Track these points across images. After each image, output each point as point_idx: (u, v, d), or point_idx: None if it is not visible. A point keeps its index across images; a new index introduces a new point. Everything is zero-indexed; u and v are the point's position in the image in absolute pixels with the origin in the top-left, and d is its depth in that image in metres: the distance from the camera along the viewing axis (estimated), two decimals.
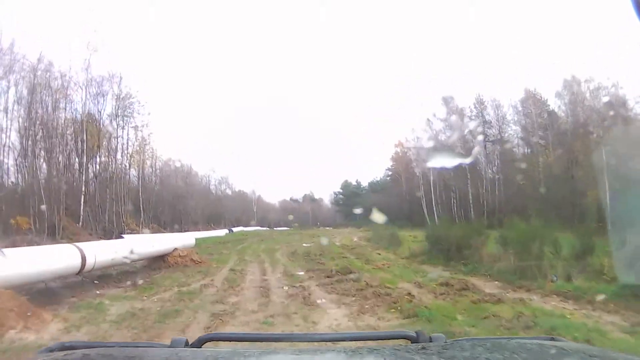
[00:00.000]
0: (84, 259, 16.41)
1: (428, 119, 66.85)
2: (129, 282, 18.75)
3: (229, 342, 2.28)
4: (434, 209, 65.47)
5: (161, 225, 62.75)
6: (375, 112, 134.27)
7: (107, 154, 51.86)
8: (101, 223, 46.49)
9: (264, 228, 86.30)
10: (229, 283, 18.61)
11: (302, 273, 21.89)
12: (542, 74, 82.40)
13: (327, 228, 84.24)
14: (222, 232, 64.85)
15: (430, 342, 1.89)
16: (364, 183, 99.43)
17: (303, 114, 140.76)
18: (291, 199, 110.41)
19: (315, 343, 2.22)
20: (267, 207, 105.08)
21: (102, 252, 18.32)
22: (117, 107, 52.26)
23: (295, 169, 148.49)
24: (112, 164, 52.53)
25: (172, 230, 57.56)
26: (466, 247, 23.31)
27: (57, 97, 44.67)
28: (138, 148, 58.58)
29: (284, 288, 17.24)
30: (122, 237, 31.92)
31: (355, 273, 20.60)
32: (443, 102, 65.39)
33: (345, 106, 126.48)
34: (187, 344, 1.93)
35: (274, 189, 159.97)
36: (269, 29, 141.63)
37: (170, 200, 67.10)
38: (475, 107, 63.80)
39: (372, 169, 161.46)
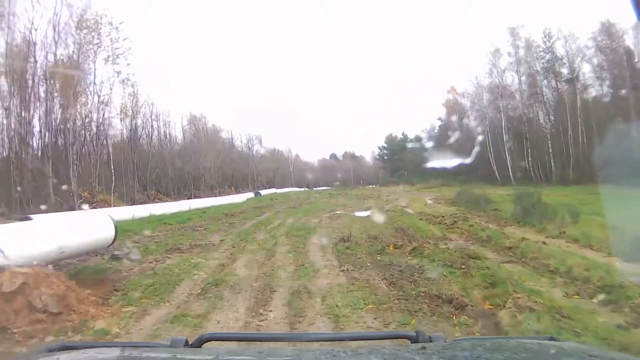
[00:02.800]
0: None
1: (492, 52, 55.90)
2: None
3: (229, 341, 2.31)
4: (507, 160, 53.54)
5: (162, 192, 49.24)
6: (422, 54, 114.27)
7: (52, 96, 33.62)
8: (37, 196, 28.62)
9: (302, 189, 75.23)
10: None
11: None
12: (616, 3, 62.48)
13: (373, 186, 73.80)
14: (244, 196, 50.59)
15: (430, 342, 1.76)
16: (411, 135, 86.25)
17: (340, 63, 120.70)
18: (331, 157, 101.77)
19: (315, 343, 2.16)
20: (305, 167, 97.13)
21: None
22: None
23: (334, 124, 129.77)
24: (63, 111, 34.23)
25: (179, 198, 46.69)
26: None
27: None
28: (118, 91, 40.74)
29: None
30: (29, 219, 16.58)
31: None
32: (510, 33, 54.10)
33: (386, 51, 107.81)
34: (186, 344, 1.81)
35: (313, 147, 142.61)
36: None
37: (176, 161, 54.54)
38: (543, 42, 52.61)
39: (419, 119, 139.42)
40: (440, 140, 67.30)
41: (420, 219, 21.31)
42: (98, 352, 1.61)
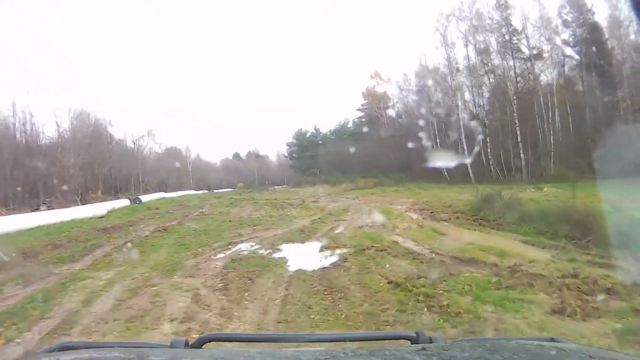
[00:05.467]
0: None
1: (443, 17, 43.38)
2: None
3: (229, 342, 2.10)
4: (463, 152, 39.66)
5: None
6: (336, 34, 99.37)
7: None
8: None
9: (201, 192, 62.28)
10: None
11: None
12: None
13: (282, 187, 62.79)
14: (114, 204, 34.52)
15: (430, 342, 1.64)
16: (324, 130, 76.06)
17: (241, 52, 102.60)
18: (234, 157, 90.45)
19: (315, 344, 1.87)
20: (206, 167, 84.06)
21: None
22: None
23: (237, 121, 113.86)
24: None
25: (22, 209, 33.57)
26: None
27: None
28: None
29: None
30: None
31: None
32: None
33: (293, 34, 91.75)
34: (187, 345, 1.69)
35: (215, 147, 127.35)
36: None
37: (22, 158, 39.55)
38: (498, 14, 41.42)
39: (338, 111, 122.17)
40: (366, 132, 58.29)
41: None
42: (97, 352, 1.48)
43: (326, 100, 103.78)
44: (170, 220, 22.48)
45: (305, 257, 10.59)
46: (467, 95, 44.05)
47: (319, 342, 1.85)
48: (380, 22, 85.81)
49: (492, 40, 42.14)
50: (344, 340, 1.82)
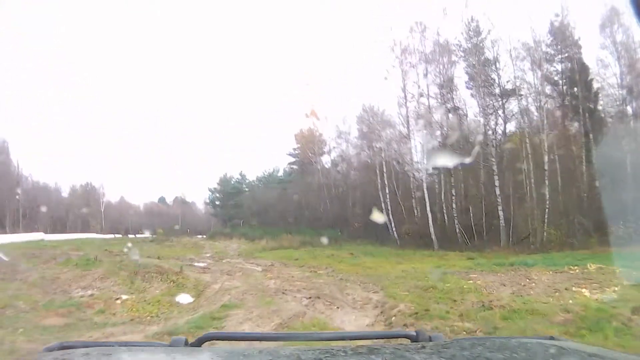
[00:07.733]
0: None
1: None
2: None
3: (228, 341, 2.22)
4: (425, 207, 31.70)
5: None
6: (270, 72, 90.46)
7: None
8: None
9: (110, 236, 51.87)
10: None
11: None
12: None
13: (199, 238, 52.82)
14: None
15: (430, 341, 1.72)
16: (251, 177, 68.34)
17: (168, 90, 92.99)
18: (159, 201, 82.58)
19: (315, 342, 1.99)
20: (127, 210, 76.56)
21: None
22: None
23: (164, 165, 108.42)
24: None
25: None
26: None
27: None
28: None
29: None
30: None
31: None
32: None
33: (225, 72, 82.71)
34: (186, 344, 1.74)
35: (141, 190, 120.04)
36: None
37: None
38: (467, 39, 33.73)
39: (265, 157, 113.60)
40: (298, 181, 51.95)
41: None
42: (97, 351, 1.51)
43: (256, 144, 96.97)
44: None
45: None
46: (426, 136, 35.12)
47: (319, 340, 1.91)
48: (319, 56, 78.05)
49: (461, 70, 34.59)
50: (344, 338, 1.88)
